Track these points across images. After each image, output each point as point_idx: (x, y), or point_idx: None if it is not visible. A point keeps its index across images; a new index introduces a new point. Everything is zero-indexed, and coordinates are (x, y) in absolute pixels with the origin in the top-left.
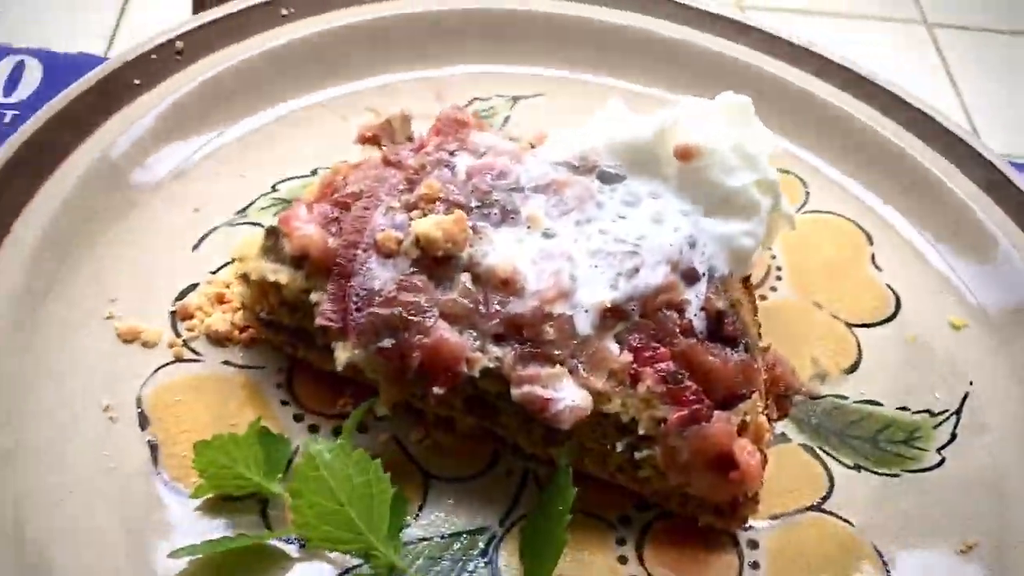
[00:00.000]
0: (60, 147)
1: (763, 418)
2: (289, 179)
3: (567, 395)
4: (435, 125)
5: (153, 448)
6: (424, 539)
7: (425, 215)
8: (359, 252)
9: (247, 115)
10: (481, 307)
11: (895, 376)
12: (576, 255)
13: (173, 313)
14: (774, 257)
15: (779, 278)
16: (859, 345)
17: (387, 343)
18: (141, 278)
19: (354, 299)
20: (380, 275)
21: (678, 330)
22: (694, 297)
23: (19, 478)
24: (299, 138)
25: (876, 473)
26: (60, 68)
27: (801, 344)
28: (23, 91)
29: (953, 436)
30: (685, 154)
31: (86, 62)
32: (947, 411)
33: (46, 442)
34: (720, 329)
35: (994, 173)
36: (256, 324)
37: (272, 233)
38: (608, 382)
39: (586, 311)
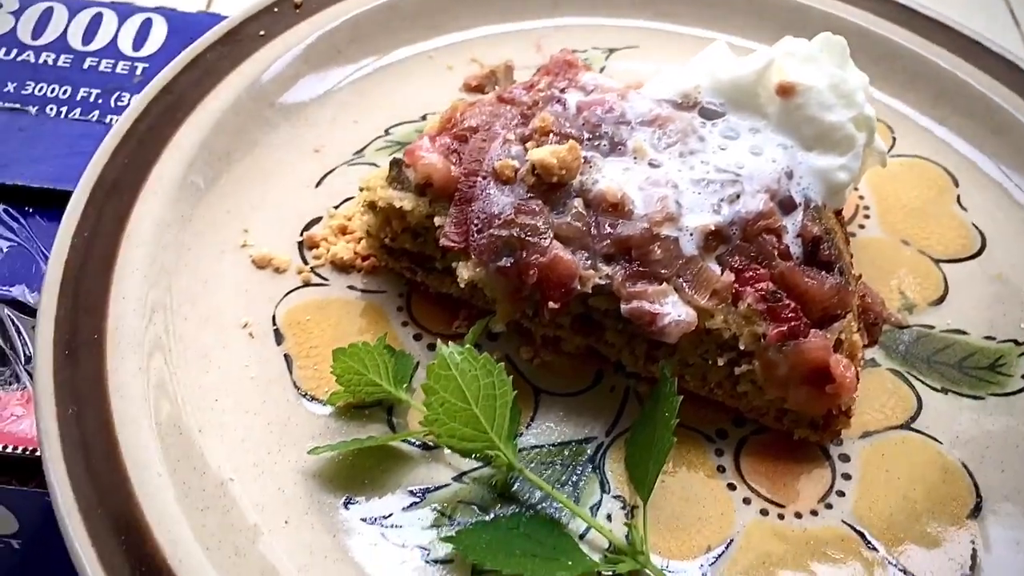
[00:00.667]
0: (193, 93)
1: (856, 336)
2: (401, 124)
3: (673, 311)
4: (545, 67)
5: (288, 360)
6: (536, 447)
7: (539, 146)
8: (479, 179)
9: (361, 65)
10: (592, 229)
11: (981, 309)
12: (680, 183)
13: (300, 243)
14: (862, 197)
15: (867, 216)
16: (945, 280)
17: (506, 262)
18: (270, 212)
19: (475, 222)
20: (499, 200)
21: (776, 253)
22: (791, 224)
23: (178, 382)
24: (409, 86)
25: (962, 395)
26: (183, 25)
27: (889, 277)
28: (151, 46)
29: None
30: (785, 91)
31: (207, 20)
32: None
33: (195, 354)
34: (816, 254)
35: None
36: (379, 251)
37: (397, 164)
38: (711, 300)
39: (691, 234)
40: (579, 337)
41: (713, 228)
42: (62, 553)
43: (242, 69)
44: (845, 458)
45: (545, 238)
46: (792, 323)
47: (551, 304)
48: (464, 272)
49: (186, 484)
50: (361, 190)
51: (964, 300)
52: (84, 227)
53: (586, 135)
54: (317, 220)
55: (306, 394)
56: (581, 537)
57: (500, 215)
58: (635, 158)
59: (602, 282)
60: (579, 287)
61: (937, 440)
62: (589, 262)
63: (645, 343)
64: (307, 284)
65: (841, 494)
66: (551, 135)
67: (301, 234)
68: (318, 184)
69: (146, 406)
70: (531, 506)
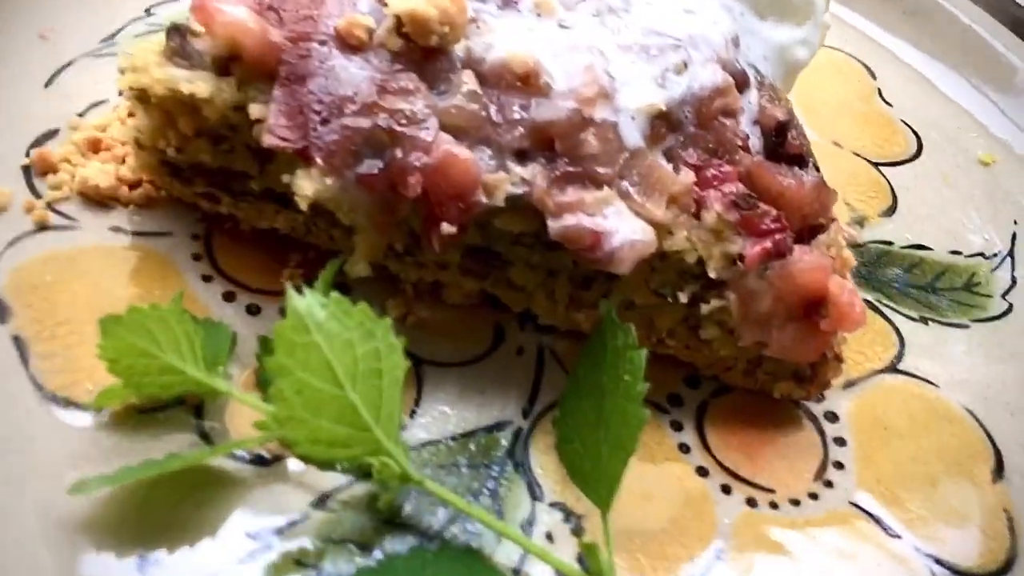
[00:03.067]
0: None
1: (848, 251)
2: (167, 1)
3: (623, 226)
4: None
5: (20, 345)
6: (428, 443)
7: None
8: (315, 46)
9: None
10: (494, 114)
11: (936, 218)
12: (606, 49)
13: (27, 168)
14: None
15: None
16: (891, 187)
17: (372, 167)
18: None
19: (316, 108)
20: (350, 75)
21: (739, 144)
22: (745, 106)
23: None
24: None
25: (945, 324)
26: None
27: (832, 185)
28: None
29: (1013, 280)
30: None
31: None
32: (999, 252)
33: None
34: (781, 146)
35: None
36: (158, 171)
37: (178, 32)
38: (668, 210)
39: (632, 116)
40: (471, 280)
41: (663, 108)
42: None
43: None
44: (832, 417)
45: (427, 128)
46: (775, 236)
47: (444, 228)
48: (306, 185)
49: None
50: (122, 72)
51: (915, 209)
52: None
53: None
54: (52, 134)
55: (55, 396)
56: (516, 573)
57: (355, 97)
58: (538, 15)
59: (517, 190)
60: (485, 199)
61: (931, 383)
62: (494, 162)
63: (569, 282)
64: (43, 227)
65: (839, 466)
66: None
67: (27, 154)
68: (48, 83)
69: None
70: (434, 534)
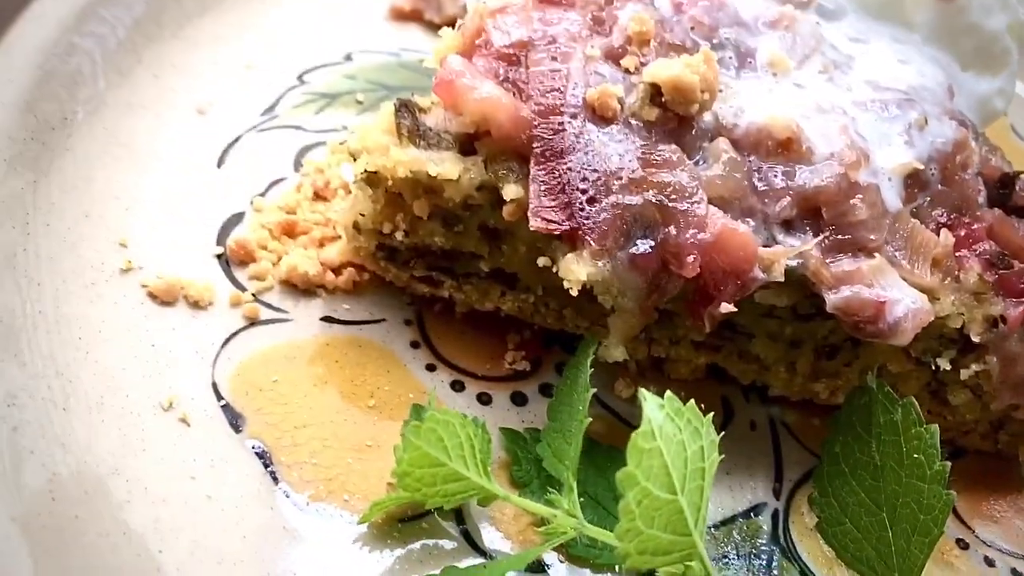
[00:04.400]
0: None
1: None
2: (318, 67)
3: (902, 296)
4: None
5: (264, 457)
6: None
7: (641, 61)
8: (566, 120)
9: None
10: (758, 183)
11: None
12: (847, 107)
13: (223, 257)
14: None
15: None
16: None
17: (644, 246)
18: (153, 210)
19: (580, 186)
20: (609, 150)
21: (978, 199)
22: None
23: (83, 541)
24: (316, 17)
25: None
26: None
27: None
28: None
29: None
30: None
31: None
32: None
33: (103, 472)
34: (1008, 197)
35: None
36: (373, 257)
37: (407, 109)
38: (934, 275)
39: (889, 179)
40: (704, 354)
41: (919, 167)
42: None
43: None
44: None
45: (699, 203)
46: None
47: (724, 307)
48: (579, 270)
49: None
50: (352, 157)
51: None
52: None
53: (702, 43)
54: (238, 218)
55: (313, 508)
56: None
57: (620, 172)
58: (774, 74)
59: (794, 263)
60: (762, 274)
61: None
62: (761, 234)
63: (813, 353)
64: (254, 322)
65: None
66: (651, 45)
67: (218, 241)
68: (220, 163)
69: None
70: None
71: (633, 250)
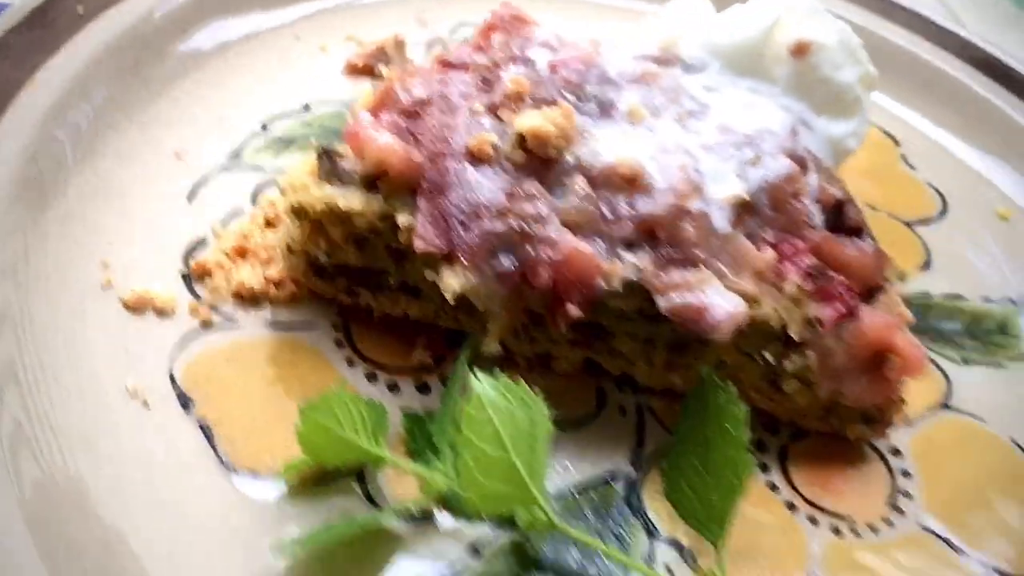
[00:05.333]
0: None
1: (903, 307)
2: (280, 117)
3: (721, 300)
4: (487, 24)
5: (206, 431)
6: (557, 495)
7: (517, 113)
8: (450, 162)
9: (212, 45)
10: (605, 211)
11: (966, 269)
12: (691, 148)
13: (186, 276)
14: None
15: None
16: (924, 243)
17: (507, 263)
18: (133, 237)
19: (456, 216)
20: (482, 186)
21: (806, 222)
22: (808, 187)
23: (61, 483)
24: (279, 73)
25: (984, 365)
26: None
27: None
28: None
29: None
30: (801, 50)
31: None
32: None
33: (76, 442)
34: (839, 219)
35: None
36: (305, 273)
37: (328, 155)
38: (755, 283)
39: (720, 207)
40: (578, 350)
41: (746, 197)
42: None
43: (58, 61)
44: (896, 452)
45: (552, 227)
46: (846, 302)
47: (571, 311)
48: (453, 282)
49: None
50: (283, 192)
51: (947, 262)
52: None
53: (569, 98)
54: (201, 242)
55: (242, 472)
56: None
57: (489, 204)
58: (631, 123)
59: (631, 276)
60: (604, 285)
61: (980, 418)
62: (608, 252)
63: (665, 349)
64: (207, 326)
65: (907, 495)
66: (526, 100)
67: (185, 262)
68: (190, 198)
69: (22, 522)
70: (571, 573)
71: (497, 266)
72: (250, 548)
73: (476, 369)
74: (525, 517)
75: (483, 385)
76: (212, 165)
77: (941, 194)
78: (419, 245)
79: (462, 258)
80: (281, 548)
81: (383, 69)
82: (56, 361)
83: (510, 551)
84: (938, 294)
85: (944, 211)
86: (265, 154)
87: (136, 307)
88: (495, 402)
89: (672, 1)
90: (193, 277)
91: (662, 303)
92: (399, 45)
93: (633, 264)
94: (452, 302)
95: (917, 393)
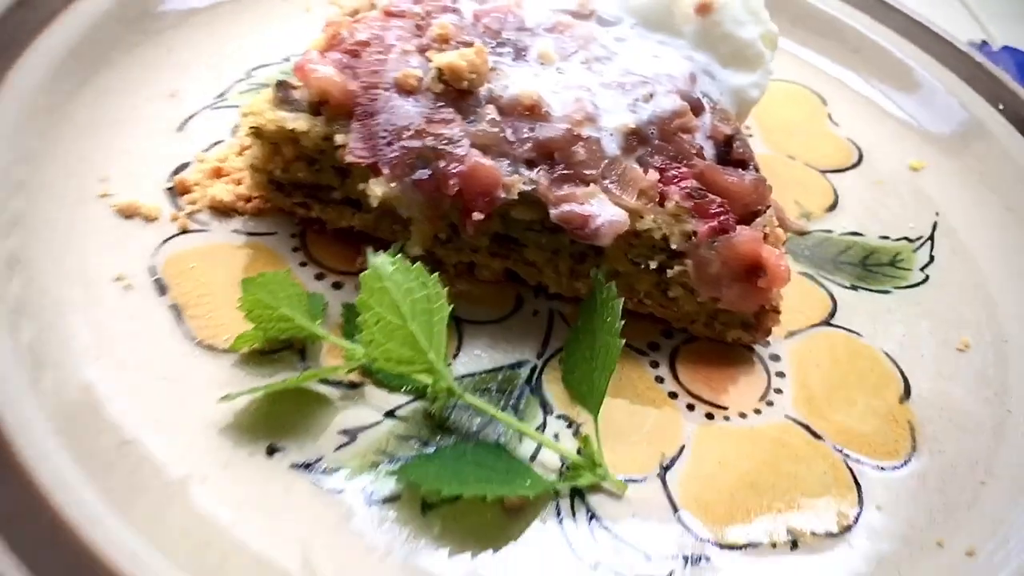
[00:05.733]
0: (18, 36)
1: (779, 229)
2: (263, 66)
3: (604, 211)
4: None
5: (176, 311)
6: (467, 375)
7: (442, 53)
8: (380, 92)
9: (205, 3)
10: (510, 135)
11: (871, 213)
12: (592, 86)
13: (170, 189)
14: None
15: (750, 136)
16: (834, 188)
17: (422, 174)
18: (130, 159)
19: (382, 136)
20: (406, 111)
21: (693, 153)
22: (701, 125)
23: (51, 344)
24: (266, 29)
25: (871, 291)
26: None
27: (784, 190)
28: None
29: (931, 257)
30: (704, 8)
31: None
32: (922, 237)
33: (67, 311)
34: (729, 153)
35: (926, 33)
36: (266, 188)
37: (283, 86)
38: (639, 200)
39: (611, 134)
40: (497, 260)
41: (632, 127)
42: None
43: (75, 6)
44: (775, 358)
45: (461, 146)
46: (720, 218)
47: (475, 215)
48: (377, 189)
49: (81, 449)
50: (244, 116)
51: (854, 205)
52: None
53: (489, 42)
54: (185, 166)
55: (202, 344)
56: (531, 460)
57: (410, 126)
58: (542, 64)
59: (527, 187)
60: (504, 194)
61: (857, 333)
62: (510, 168)
63: (569, 258)
64: (185, 231)
65: (779, 391)
66: (451, 43)
67: (169, 180)
68: (180, 128)
69: (22, 373)
70: (472, 434)
71: (415, 177)
72: (204, 400)
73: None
74: (429, 383)
75: (379, 258)
76: (200, 103)
77: (859, 148)
78: (349, 158)
79: (384, 169)
80: (227, 397)
81: None
82: (57, 250)
83: (419, 415)
84: (839, 231)
85: (859, 162)
86: (247, 96)
87: (126, 213)
88: (391, 276)
89: None
90: (176, 191)
91: (553, 212)
92: (371, 8)
93: (531, 178)
94: (375, 205)
95: (803, 311)
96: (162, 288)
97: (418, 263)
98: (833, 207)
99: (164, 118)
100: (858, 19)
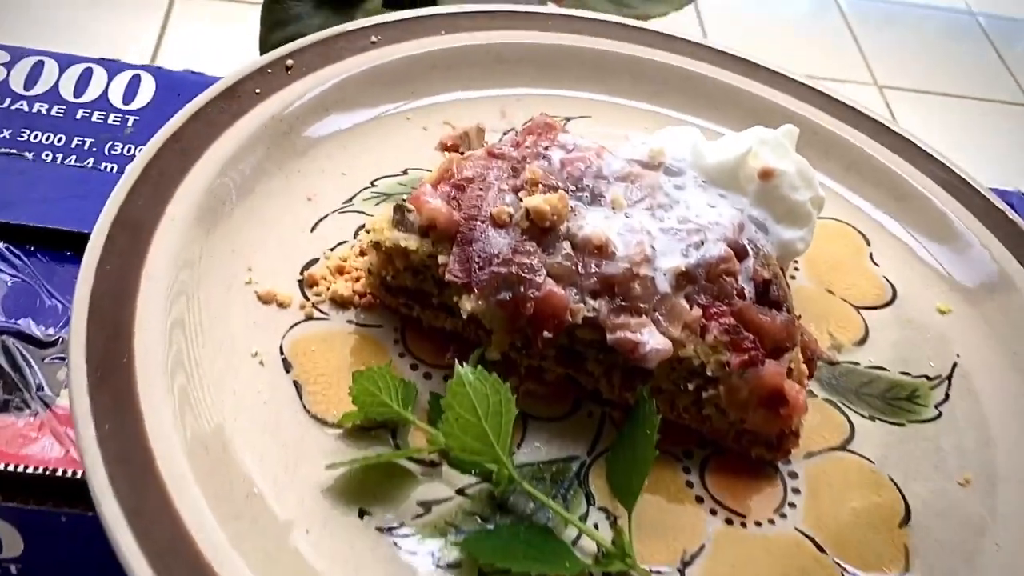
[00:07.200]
0: (198, 142)
1: (803, 365)
2: (384, 177)
3: (651, 339)
4: (527, 127)
5: (297, 387)
6: (527, 464)
7: (531, 195)
8: (478, 223)
9: (344, 121)
10: (580, 268)
11: (896, 349)
12: (653, 231)
13: (301, 281)
14: None
15: (796, 269)
16: (866, 324)
17: (505, 296)
18: (271, 253)
19: (476, 261)
20: (497, 242)
21: (735, 293)
22: (744, 269)
23: (200, 403)
24: (389, 144)
25: (887, 422)
26: (169, 82)
27: (820, 321)
28: (140, 100)
29: (946, 396)
30: (767, 175)
31: (192, 77)
32: (940, 376)
33: (213, 378)
34: (767, 294)
35: (966, 187)
36: (378, 288)
37: (400, 210)
38: (683, 331)
39: (664, 273)
40: (561, 367)
41: (683, 269)
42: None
43: (240, 124)
44: (793, 475)
45: (539, 275)
46: (751, 352)
47: (544, 333)
48: (467, 304)
49: (217, 495)
50: (366, 232)
51: (882, 342)
52: (106, 261)
53: (570, 187)
54: (314, 261)
55: (316, 417)
56: (573, 544)
57: (499, 255)
58: (613, 208)
59: (590, 314)
60: (570, 318)
61: (869, 460)
62: (578, 297)
63: (622, 372)
64: (309, 318)
65: (792, 505)
66: (540, 186)
67: (301, 273)
68: (313, 229)
69: (175, 423)
70: (527, 517)
71: (499, 297)
72: (312, 464)
73: (463, 362)
74: (494, 471)
75: (463, 369)
76: (331, 207)
77: (894, 287)
78: (448, 277)
79: (475, 289)
80: (333, 465)
81: (465, 148)
82: (208, 323)
83: (485, 495)
84: (865, 364)
85: (891, 301)
86: (370, 202)
87: (265, 299)
88: (472, 383)
89: (667, 128)
90: (305, 284)
91: (609, 336)
92: (479, 132)
93: (593, 307)
94: (465, 318)
95: (823, 435)
96: (287, 366)
97: (494, 375)
98: (863, 341)
99: (301, 219)
100: (903, 168)
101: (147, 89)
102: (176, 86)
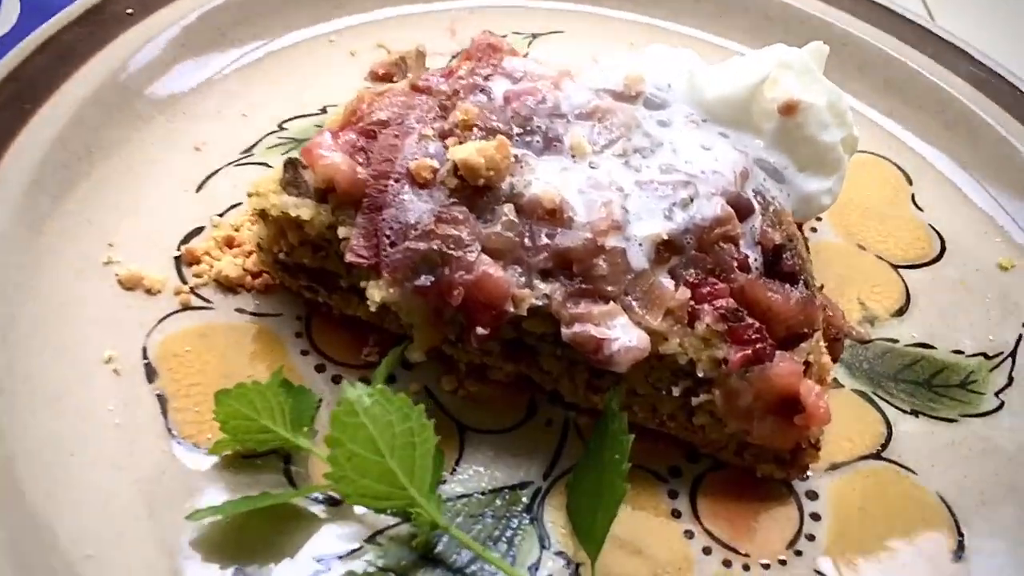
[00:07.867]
0: (45, 81)
1: (826, 358)
2: (297, 117)
3: (622, 334)
4: (465, 51)
5: (162, 402)
6: (463, 496)
7: (462, 143)
8: (391, 183)
9: (248, 49)
10: (526, 240)
11: (946, 319)
12: (626, 185)
13: (178, 258)
14: None
15: (819, 219)
16: (907, 287)
17: (425, 280)
18: (140, 221)
19: (387, 233)
20: (415, 207)
21: (735, 265)
22: (748, 230)
23: (21, 433)
24: (306, 75)
25: (934, 418)
26: (40, 3)
27: (847, 286)
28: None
29: (1010, 380)
30: (790, 109)
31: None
32: (1002, 353)
33: (46, 396)
34: (777, 264)
35: None
36: (272, 267)
37: (292, 166)
38: (665, 320)
39: (639, 244)
40: (510, 364)
41: (665, 237)
42: None
43: (106, 53)
44: (812, 495)
45: (471, 251)
46: (756, 345)
47: (479, 330)
48: (375, 293)
49: (27, 566)
50: (250, 196)
51: (927, 310)
52: None
53: (516, 129)
54: (199, 231)
55: (183, 441)
56: None
57: (417, 225)
58: (573, 157)
59: (539, 302)
60: (512, 309)
61: (911, 471)
62: (523, 279)
63: (587, 371)
64: (186, 308)
65: (811, 538)
66: (475, 130)
67: (179, 248)
68: (199, 188)
69: None
70: (459, 569)
71: (417, 282)
72: (174, 511)
73: (352, 381)
74: (413, 514)
75: (357, 393)
76: (225, 159)
77: (942, 238)
78: (349, 257)
79: (384, 272)
80: (196, 514)
81: (401, 77)
82: (48, 324)
83: (403, 541)
84: (906, 341)
85: (940, 256)
86: (275, 152)
87: (128, 284)
88: (370, 411)
89: (653, 45)
90: (183, 262)
91: (565, 332)
92: (419, 56)
93: (544, 292)
94: (373, 310)
95: (851, 439)
96: (151, 374)
97: (401, 395)
98: (903, 311)
99: (184, 175)
100: (954, 84)
101: (10, 13)
102: (50, 8)
